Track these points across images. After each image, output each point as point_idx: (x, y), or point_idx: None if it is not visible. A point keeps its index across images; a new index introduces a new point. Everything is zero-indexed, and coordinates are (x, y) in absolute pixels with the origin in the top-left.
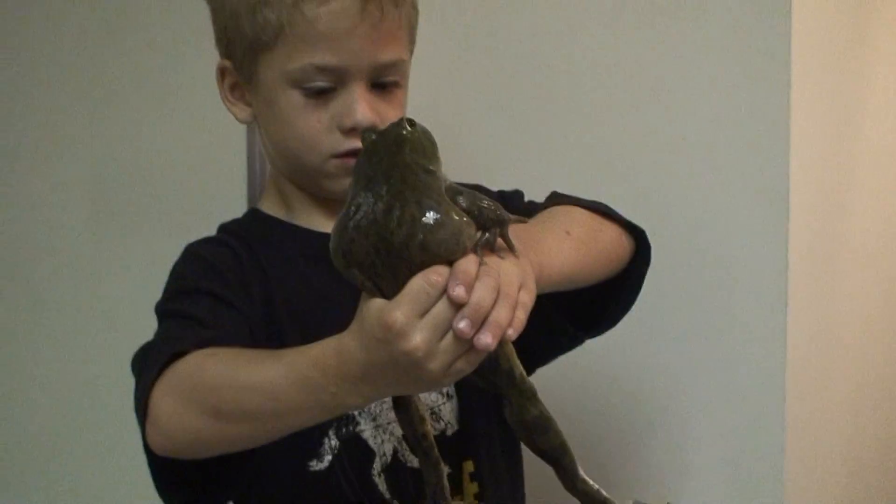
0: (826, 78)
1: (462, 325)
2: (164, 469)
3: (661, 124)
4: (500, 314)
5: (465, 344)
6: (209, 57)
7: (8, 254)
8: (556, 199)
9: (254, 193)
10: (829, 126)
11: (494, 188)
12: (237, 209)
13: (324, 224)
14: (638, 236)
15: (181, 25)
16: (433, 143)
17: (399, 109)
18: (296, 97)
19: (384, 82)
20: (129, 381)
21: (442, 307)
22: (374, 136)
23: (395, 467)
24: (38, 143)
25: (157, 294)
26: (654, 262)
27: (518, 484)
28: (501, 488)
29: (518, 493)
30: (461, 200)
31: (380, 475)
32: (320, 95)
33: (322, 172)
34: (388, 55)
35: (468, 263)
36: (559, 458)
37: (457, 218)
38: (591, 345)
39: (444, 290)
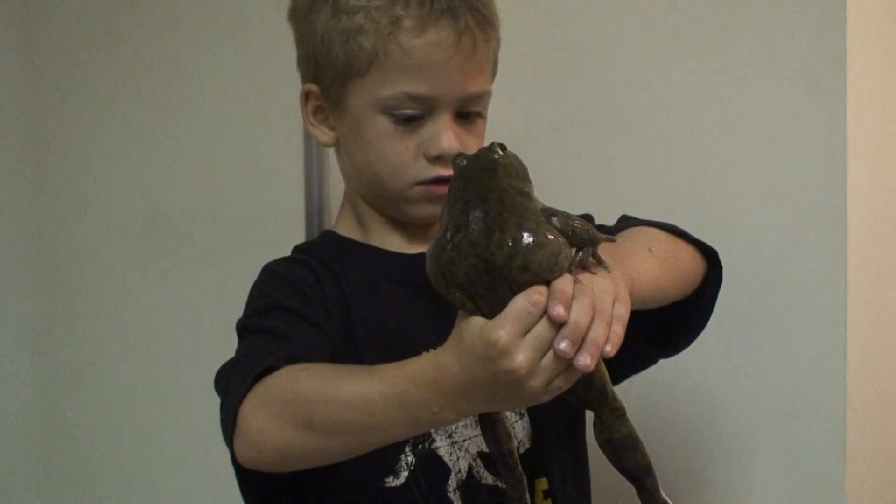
0: (882, 90)
1: (563, 345)
2: (252, 483)
3: (718, 145)
4: (598, 333)
5: (565, 362)
6: (265, 80)
7: (61, 275)
8: (627, 220)
9: (311, 219)
10: (885, 141)
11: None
12: (295, 235)
13: (400, 245)
14: (710, 257)
15: (236, 49)
16: (524, 167)
17: (480, 139)
18: (384, 123)
19: (468, 112)
20: (185, 401)
21: (543, 326)
22: (465, 162)
23: (470, 484)
24: (91, 165)
25: (214, 318)
26: None
27: (586, 502)
28: None
29: None
30: (555, 221)
31: (455, 492)
32: (408, 123)
33: (405, 198)
34: (476, 87)
35: (565, 283)
36: (644, 479)
37: (554, 239)
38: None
39: (545, 310)
